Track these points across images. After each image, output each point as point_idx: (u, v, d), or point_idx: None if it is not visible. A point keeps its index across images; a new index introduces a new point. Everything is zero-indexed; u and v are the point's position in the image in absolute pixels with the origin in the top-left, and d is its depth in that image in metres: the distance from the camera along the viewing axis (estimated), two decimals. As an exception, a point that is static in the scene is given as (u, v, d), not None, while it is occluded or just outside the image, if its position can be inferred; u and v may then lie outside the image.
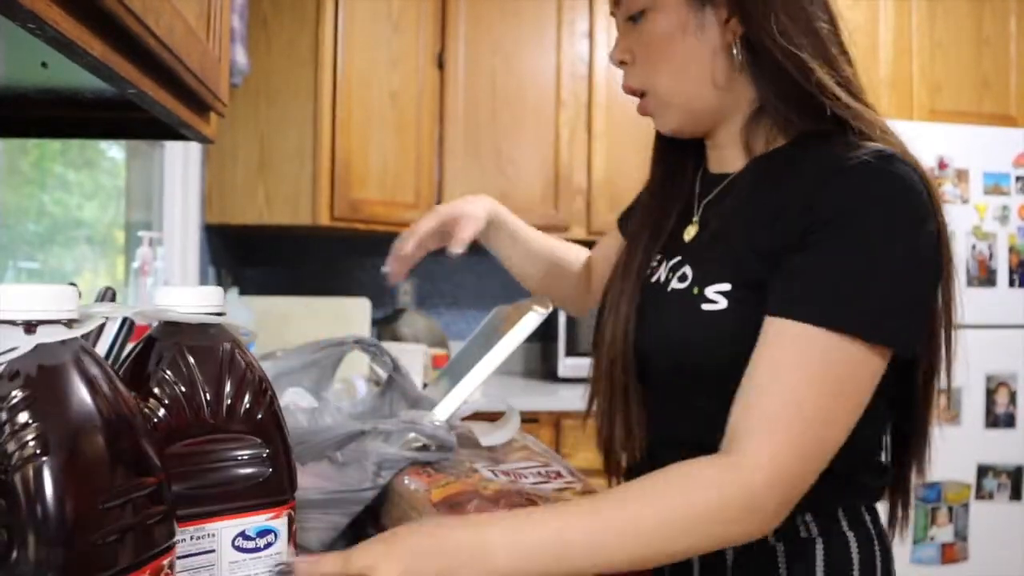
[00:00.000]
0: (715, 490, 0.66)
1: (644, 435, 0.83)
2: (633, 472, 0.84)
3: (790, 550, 0.77)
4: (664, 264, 0.86)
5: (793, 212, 0.72)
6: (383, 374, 0.89)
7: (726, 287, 0.76)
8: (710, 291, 0.77)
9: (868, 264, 0.68)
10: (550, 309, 0.86)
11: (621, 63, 0.85)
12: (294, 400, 0.86)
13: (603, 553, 0.64)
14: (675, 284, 0.82)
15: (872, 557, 0.79)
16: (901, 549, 2.24)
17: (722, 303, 0.75)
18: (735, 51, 0.79)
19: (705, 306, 0.76)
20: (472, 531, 0.63)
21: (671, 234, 0.88)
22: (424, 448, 0.76)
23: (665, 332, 0.81)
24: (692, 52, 0.80)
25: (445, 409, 0.80)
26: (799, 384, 0.67)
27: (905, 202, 0.70)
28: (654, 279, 0.86)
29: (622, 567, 0.66)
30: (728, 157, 0.86)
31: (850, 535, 0.78)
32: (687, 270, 0.82)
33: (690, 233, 0.86)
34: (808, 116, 0.78)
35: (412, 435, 0.75)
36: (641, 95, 0.84)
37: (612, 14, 0.87)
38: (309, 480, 0.69)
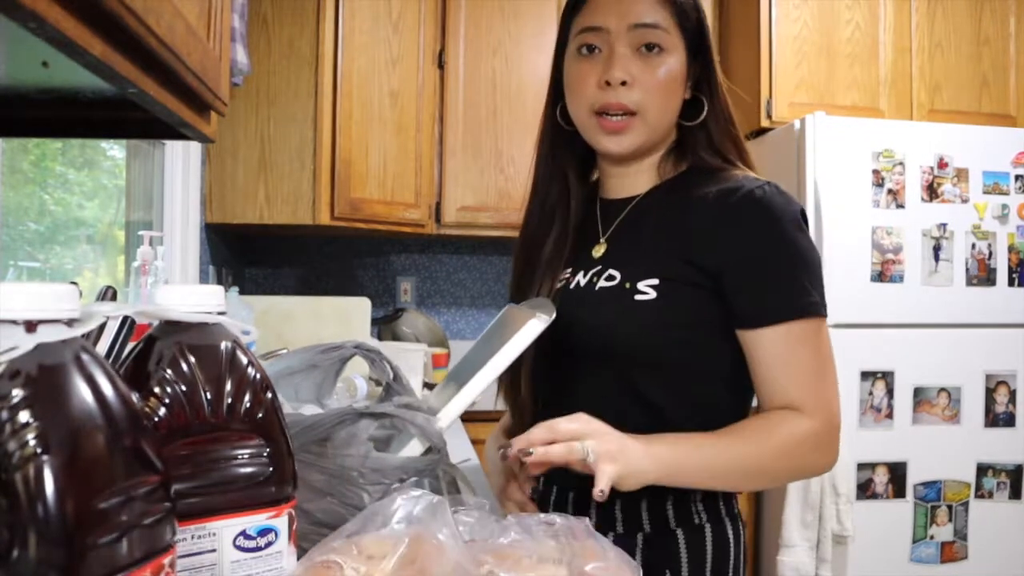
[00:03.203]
0: (804, 425, 0.88)
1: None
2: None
3: (688, 536, 0.93)
4: (580, 274, 1.00)
5: (708, 228, 0.92)
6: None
7: (655, 281, 0.92)
8: (641, 285, 0.93)
9: (803, 263, 0.90)
10: (553, 316, 0.86)
11: (623, 83, 0.94)
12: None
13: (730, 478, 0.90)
14: (603, 284, 0.96)
15: (739, 539, 0.98)
16: (900, 548, 2.24)
17: (652, 294, 0.92)
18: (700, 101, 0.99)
19: (638, 296, 0.93)
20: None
21: (577, 253, 1.03)
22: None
23: (601, 321, 0.95)
24: (678, 94, 0.98)
25: (447, 417, 0.81)
26: (812, 361, 0.90)
27: (801, 214, 0.93)
28: (572, 286, 1.00)
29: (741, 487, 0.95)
30: (634, 183, 1.02)
31: (727, 521, 0.96)
32: (613, 272, 0.97)
33: (599, 251, 1.01)
34: (712, 154, 0.98)
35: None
36: (629, 114, 0.95)
37: (602, 28, 0.95)
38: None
